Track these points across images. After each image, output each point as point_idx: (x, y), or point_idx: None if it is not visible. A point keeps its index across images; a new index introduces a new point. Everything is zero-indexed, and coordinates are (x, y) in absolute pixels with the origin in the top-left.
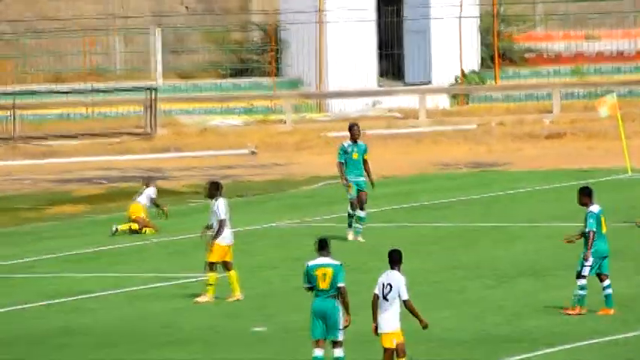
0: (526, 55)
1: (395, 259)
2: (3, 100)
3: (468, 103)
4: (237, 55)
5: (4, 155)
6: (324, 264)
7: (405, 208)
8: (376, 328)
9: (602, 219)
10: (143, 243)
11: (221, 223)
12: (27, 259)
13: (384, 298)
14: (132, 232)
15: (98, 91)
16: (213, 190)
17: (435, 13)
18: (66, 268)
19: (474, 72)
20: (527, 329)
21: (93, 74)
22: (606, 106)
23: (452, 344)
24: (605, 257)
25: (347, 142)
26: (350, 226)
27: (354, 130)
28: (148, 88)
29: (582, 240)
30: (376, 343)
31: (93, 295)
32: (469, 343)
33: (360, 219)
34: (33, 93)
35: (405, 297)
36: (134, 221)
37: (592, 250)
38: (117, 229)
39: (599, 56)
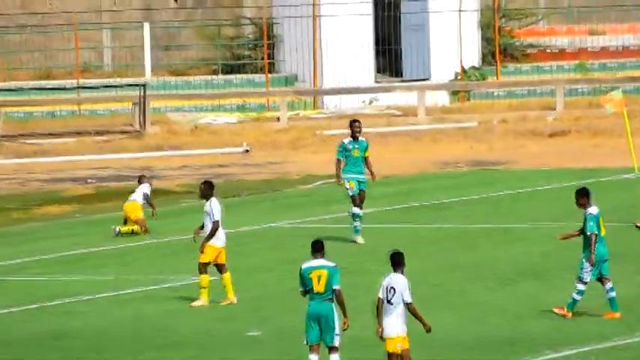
0: (528, 51)
1: (397, 262)
2: None
3: (468, 100)
4: (229, 51)
5: None
6: (318, 266)
7: (403, 208)
8: (381, 332)
9: (601, 220)
10: (135, 244)
11: (215, 225)
12: (18, 260)
13: (389, 301)
14: (134, 234)
15: (86, 87)
16: (208, 190)
17: (434, 6)
18: (57, 269)
19: (474, 68)
20: (530, 332)
21: (82, 70)
22: (612, 103)
23: (453, 347)
24: (605, 260)
25: (347, 139)
26: (357, 232)
27: (354, 126)
28: (138, 85)
29: (582, 242)
30: (375, 349)
31: (84, 297)
32: (470, 346)
33: (357, 216)
34: (19, 90)
35: (408, 300)
36: (134, 222)
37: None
38: (119, 230)
39: (604, 51)
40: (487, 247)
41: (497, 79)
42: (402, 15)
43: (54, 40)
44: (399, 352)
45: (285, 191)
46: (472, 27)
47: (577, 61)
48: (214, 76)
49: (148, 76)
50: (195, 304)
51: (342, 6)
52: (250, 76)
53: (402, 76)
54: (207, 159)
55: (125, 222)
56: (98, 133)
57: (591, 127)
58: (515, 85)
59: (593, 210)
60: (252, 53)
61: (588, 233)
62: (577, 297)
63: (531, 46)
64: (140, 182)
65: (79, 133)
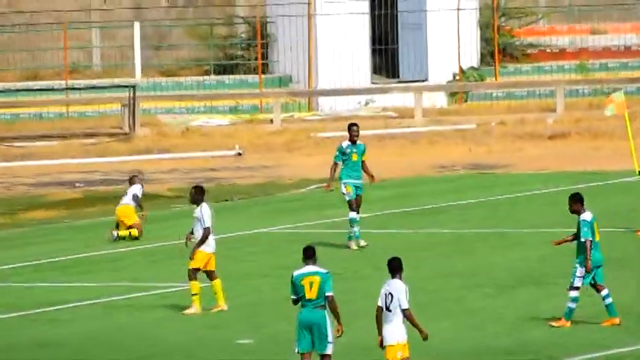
0: (528, 51)
1: (395, 268)
2: None
3: (466, 102)
4: (221, 51)
5: None
6: (310, 272)
7: (399, 213)
8: (381, 341)
9: (596, 226)
10: (123, 250)
11: (206, 232)
12: (2, 267)
13: (387, 308)
14: (133, 238)
15: (74, 88)
16: (199, 195)
17: (431, 5)
18: (41, 277)
19: (472, 68)
20: (529, 340)
21: (71, 71)
22: (613, 105)
23: (451, 355)
24: (599, 266)
25: (346, 143)
26: (350, 238)
27: (353, 130)
28: (127, 86)
29: (576, 249)
30: (371, 355)
31: (69, 305)
32: (468, 355)
33: (354, 221)
34: (6, 91)
35: (405, 306)
36: (130, 227)
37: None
38: (117, 235)
39: (606, 51)
40: (484, 253)
41: (496, 79)
42: (399, 13)
43: (42, 40)
44: None
45: (279, 195)
46: (471, 26)
47: (578, 62)
48: (206, 77)
49: (138, 76)
50: (187, 311)
51: (337, 4)
52: (243, 76)
53: (398, 76)
54: (198, 162)
55: (117, 226)
56: (86, 135)
57: (592, 130)
58: (514, 85)
59: (587, 216)
60: (245, 53)
61: (583, 240)
62: (572, 305)
63: (531, 45)
64: (131, 183)
65: (65, 137)
